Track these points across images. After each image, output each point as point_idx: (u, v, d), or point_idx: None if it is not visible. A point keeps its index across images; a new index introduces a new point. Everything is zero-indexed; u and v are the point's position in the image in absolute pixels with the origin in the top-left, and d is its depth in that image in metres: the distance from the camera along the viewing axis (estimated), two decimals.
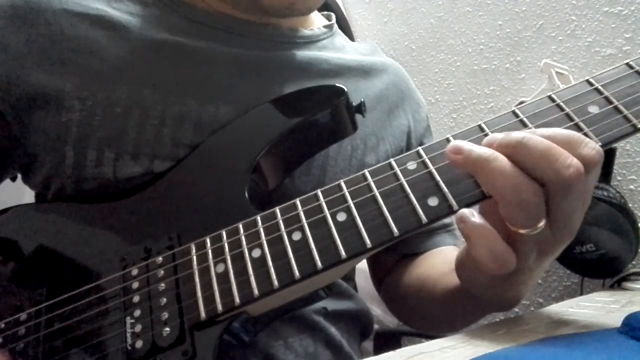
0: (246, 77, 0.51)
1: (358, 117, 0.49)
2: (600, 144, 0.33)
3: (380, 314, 1.02)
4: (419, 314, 0.58)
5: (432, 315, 0.56)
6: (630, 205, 0.83)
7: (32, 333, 0.39)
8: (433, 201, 0.34)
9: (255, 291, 0.35)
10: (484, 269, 0.34)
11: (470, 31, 1.15)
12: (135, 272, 0.40)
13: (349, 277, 0.59)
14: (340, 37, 0.63)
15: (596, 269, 0.83)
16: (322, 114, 0.47)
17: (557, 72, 0.89)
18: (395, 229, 0.34)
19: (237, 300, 0.35)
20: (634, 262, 0.82)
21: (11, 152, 0.51)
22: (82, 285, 0.40)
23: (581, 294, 0.92)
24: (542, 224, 0.32)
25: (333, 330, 0.52)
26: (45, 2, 0.49)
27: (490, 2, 1.12)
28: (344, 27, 0.75)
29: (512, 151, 0.32)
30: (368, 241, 0.34)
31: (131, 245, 0.42)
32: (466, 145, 0.33)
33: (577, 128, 0.34)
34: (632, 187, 0.92)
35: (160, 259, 0.40)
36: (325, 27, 0.61)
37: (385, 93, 0.60)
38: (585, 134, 0.34)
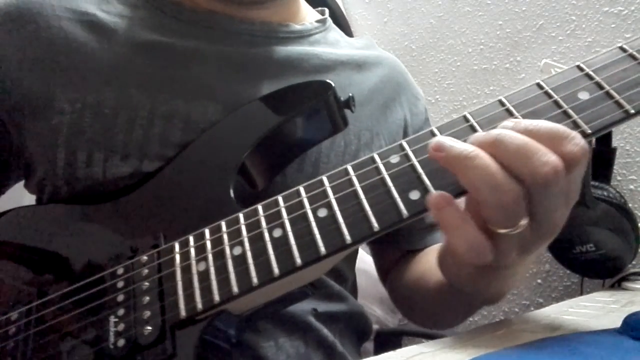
0: (235, 74, 0.51)
1: (352, 111, 0.48)
2: (590, 131, 0.32)
3: (381, 314, 1.02)
4: (418, 309, 0.58)
5: (428, 311, 0.56)
6: (630, 205, 0.83)
7: (22, 332, 0.39)
8: (414, 195, 0.33)
9: (235, 289, 0.35)
10: (461, 260, 0.33)
11: (470, 31, 1.15)
12: (120, 271, 0.40)
13: (344, 278, 0.58)
14: (334, 32, 0.62)
15: (596, 269, 0.82)
16: (309, 111, 0.46)
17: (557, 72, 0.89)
18: (375, 224, 0.33)
19: (216, 298, 0.35)
20: (634, 262, 0.82)
21: (11, 159, 0.51)
22: (71, 285, 0.40)
23: (581, 294, 0.91)
24: (523, 222, 0.31)
25: (325, 331, 0.52)
26: (37, 7, 0.50)
27: (490, 2, 1.12)
28: (344, 26, 0.75)
29: (490, 149, 0.30)
30: (348, 237, 0.33)
31: (119, 245, 0.42)
32: (448, 141, 0.31)
33: (566, 115, 0.33)
34: (632, 187, 0.92)
35: (145, 257, 0.39)
36: (318, 21, 0.60)
37: (380, 87, 0.59)
38: (574, 122, 0.32)
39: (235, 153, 0.45)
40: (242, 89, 0.50)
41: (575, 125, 0.32)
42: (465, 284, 0.39)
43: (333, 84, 0.46)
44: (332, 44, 0.59)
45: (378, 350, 0.89)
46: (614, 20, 0.95)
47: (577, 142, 0.30)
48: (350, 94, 0.48)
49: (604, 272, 0.83)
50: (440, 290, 0.48)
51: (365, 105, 0.55)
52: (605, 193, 0.81)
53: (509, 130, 0.31)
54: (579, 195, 0.33)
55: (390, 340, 0.94)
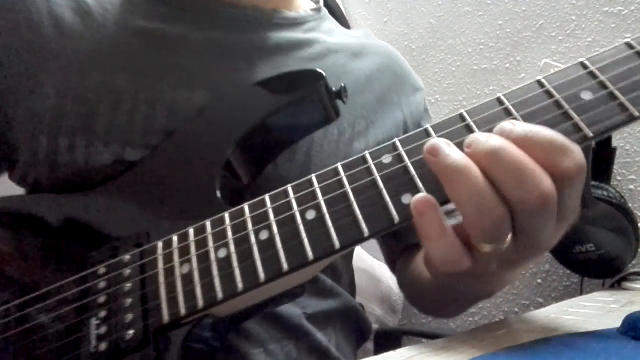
0: (225, 61, 0.50)
1: (344, 103, 0.46)
2: (592, 135, 0.30)
3: (381, 314, 1.02)
4: (423, 299, 0.59)
5: (429, 301, 0.57)
6: (630, 205, 0.83)
7: (1, 333, 0.38)
8: (407, 199, 0.31)
9: (219, 294, 0.33)
10: (436, 265, 0.32)
11: (470, 31, 1.15)
12: (102, 271, 0.38)
13: (338, 274, 0.57)
14: (329, 22, 0.61)
15: (596, 269, 0.82)
16: (300, 101, 0.44)
17: None
18: (365, 229, 0.32)
19: (200, 303, 0.33)
20: (634, 262, 0.82)
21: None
22: (52, 284, 0.38)
23: (581, 294, 0.91)
24: (507, 239, 0.30)
25: (319, 335, 0.50)
26: None
27: (490, 2, 1.12)
28: (344, 26, 0.75)
29: (484, 160, 0.29)
30: (337, 242, 0.32)
31: (100, 241, 0.40)
32: (444, 148, 0.30)
33: (567, 117, 0.31)
34: (632, 187, 0.92)
35: (128, 257, 0.37)
36: (312, 10, 0.59)
37: (376, 76, 0.57)
38: (575, 124, 0.31)
39: (221, 144, 0.43)
40: (232, 76, 0.49)
41: (576, 128, 0.31)
42: (449, 284, 0.39)
43: (325, 74, 0.44)
44: (326, 33, 0.58)
45: (378, 350, 0.89)
46: (614, 20, 0.95)
47: (574, 158, 0.28)
48: (343, 84, 0.46)
49: (604, 272, 0.83)
50: (434, 285, 0.48)
51: (360, 94, 0.54)
52: (605, 193, 0.81)
53: (507, 145, 0.29)
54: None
55: (390, 340, 0.94)
